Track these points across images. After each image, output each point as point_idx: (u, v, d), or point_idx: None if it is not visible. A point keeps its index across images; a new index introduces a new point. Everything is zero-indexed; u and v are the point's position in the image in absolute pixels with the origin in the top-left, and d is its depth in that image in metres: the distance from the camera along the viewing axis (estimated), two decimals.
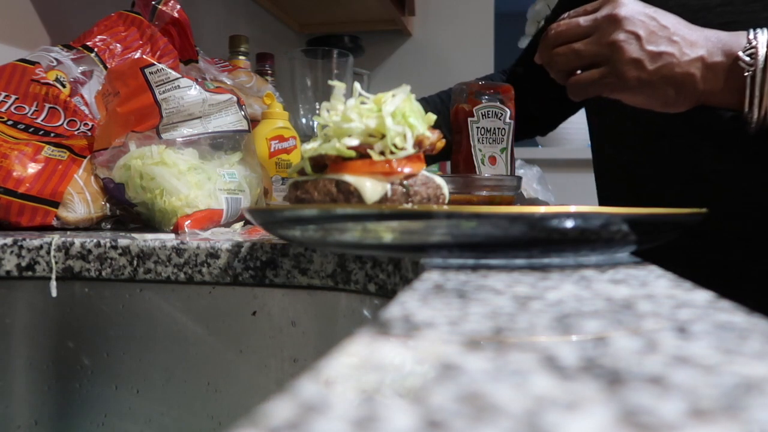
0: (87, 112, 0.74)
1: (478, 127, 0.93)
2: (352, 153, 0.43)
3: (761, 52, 0.57)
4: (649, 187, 0.77)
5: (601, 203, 0.88)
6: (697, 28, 0.61)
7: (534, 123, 1.03)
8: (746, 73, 0.57)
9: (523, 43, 2.08)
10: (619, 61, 0.59)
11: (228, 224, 0.67)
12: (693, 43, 0.59)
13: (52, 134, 0.70)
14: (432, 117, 0.45)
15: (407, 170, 0.44)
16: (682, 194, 0.73)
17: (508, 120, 0.83)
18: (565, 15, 0.65)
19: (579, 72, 0.63)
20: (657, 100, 0.61)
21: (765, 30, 0.58)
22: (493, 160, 0.86)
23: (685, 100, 0.61)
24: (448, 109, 0.96)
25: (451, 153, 0.84)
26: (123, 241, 0.51)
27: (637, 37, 0.59)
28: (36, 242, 0.52)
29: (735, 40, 0.59)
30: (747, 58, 0.57)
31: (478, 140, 0.89)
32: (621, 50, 0.59)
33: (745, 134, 0.61)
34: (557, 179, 1.99)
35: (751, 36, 0.58)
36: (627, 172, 0.81)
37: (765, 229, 0.69)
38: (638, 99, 0.62)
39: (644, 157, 0.77)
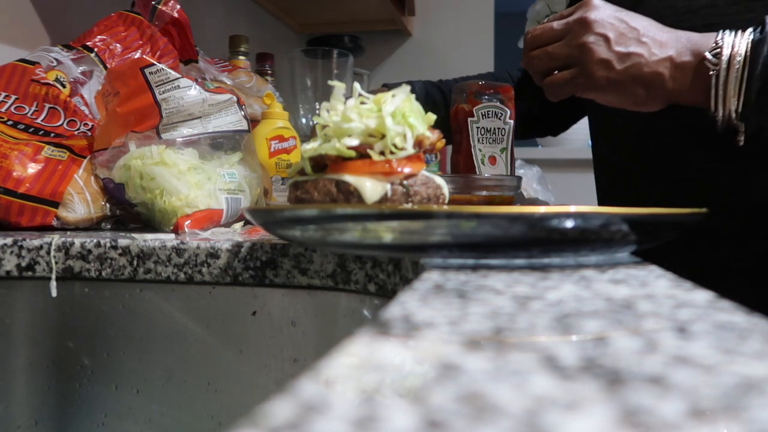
0: (87, 112, 0.74)
1: (478, 127, 0.93)
2: (352, 153, 0.43)
3: (725, 53, 0.58)
4: (639, 186, 0.79)
5: (600, 202, 0.89)
6: (669, 30, 0.62)
7: (546, 122, 1.05)
8: (711, 72, 0.59)
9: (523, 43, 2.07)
10: (589, 62, 0.61)
11: (228, 224, 0.67)
12: (662, 43, 0.61)
13: (52, 134, 0.70)
14: (432, 117, 0.45)
15: (407, 170, 0.44)
16: (670, 193, 0.75)
17: (508, 120, 0.83)
18: (545, 20, 0.68)
19: (556, 73, 0.65)
20: (627, 98, 0.62)
21: (733, 32, 0.60)
22: (493, 160, 0.86)
23: (655, 99, 0.62)
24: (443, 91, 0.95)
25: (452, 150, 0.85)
26: (123, 241, 0.51)
27: (606, 39, 0.61)
28: (36, 242, 0.52)
29: (704, 40, 0.60)
30: (712, 58, 0.59)
31: (478, 140, 0.89)
32: (590, 51, 0.61)
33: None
34: (557, 179, 1.99)
35: (719, 37, 0.60)
36: (618, 170, 0.82)
37: (750, 226, 0.70)
38: (609, 98, 0.63)
39: (633, 156, 0.78)
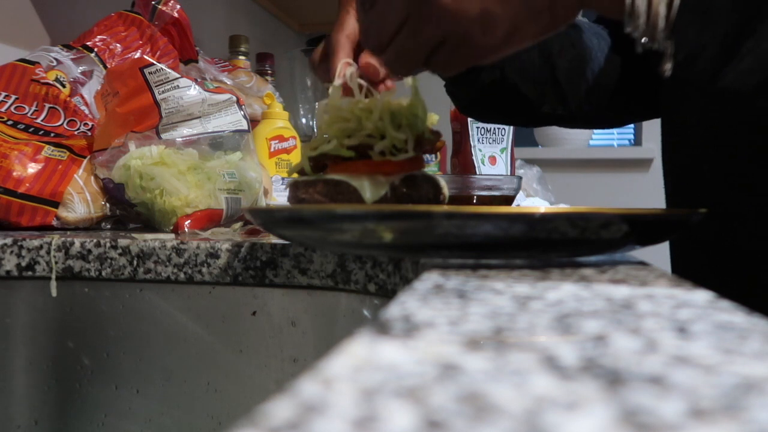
0: (87, 112, 0.74)
1: (478, 127, 0.93)
2: (352, 153, 0.43)
3: None
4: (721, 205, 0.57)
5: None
6: None
7: (595, 119, 0.76)
8: None
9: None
10: (458, 35, 0.42)
11: (228, 224, 0.67)
12: None
13: (52, 134, 0.70)
14: (434, 117, 0.45)
15: (407, 171, 0.44)
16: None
17: None
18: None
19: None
20: (529, 39, 0.43)
21: None
22: (493, 160, 0.86)
23: (567, 14, 0.43)
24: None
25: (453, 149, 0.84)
26: (123, 241, 0.51)
27: None
28: (36, 242, 0.52)
29: None
30: None
31: (478, 140, 0.89)
32: (456, 19, 0.41)
33: None
34: (557, 179, 1.99)
35: None
36: (698, 185, 0.61)
37: None
38: (504, 52, 0.44)
39: (715, 173, 0.58)
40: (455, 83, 0.65)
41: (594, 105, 0.68)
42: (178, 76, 0.65)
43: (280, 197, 0.85)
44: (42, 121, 0.70)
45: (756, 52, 0.38)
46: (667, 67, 0.40)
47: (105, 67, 0.79)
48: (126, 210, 0.67)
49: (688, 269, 0.62)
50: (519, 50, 0.45)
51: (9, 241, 0.52)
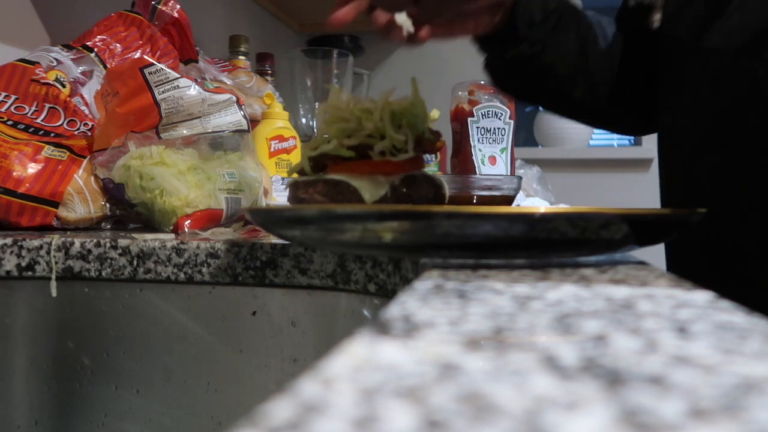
0: (87, 112, 0.74)
1: (478, 127, 0.93)
2: (352, 153, 0.43)
3: None
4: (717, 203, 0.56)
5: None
6: None
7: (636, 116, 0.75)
8: None
9: None
10: None
11: (228, 224, 0.67)
12: None
13: (52, 134, 0.70)
14: (436, 113, 0.45)
15: (407, 171, 0.44)
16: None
17: (508, 120, 0.83)
18: None
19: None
20: None
21: None
22: (493, 160, 0.86)
23: None
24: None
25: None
26: (123, 241, 0.51)
27: None
28: (36, 242, 0.52)
29: None
30: None
31: (478, 140, 0.89)
32: None
33: None
34: (557, 179, 1.99)
35: None
36: (693, 183, 0.61)
37: None
38: None
39: (709, 169, 0.58)
40: (494, 52, 0.66)
41: (618, 99, 0.69)
42: (178, 76, 0.65)
43: (280, 197, 0.85)
44: (42, 121, 0.70)
45: (742, 11, 0.39)
46: (656, 17, 0.41)
47: (105, 67, 0.79)
48: (126, 210, 0.67)
49: (687, 268, 0.62)
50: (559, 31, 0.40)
51: (9, 241, 0.52)
